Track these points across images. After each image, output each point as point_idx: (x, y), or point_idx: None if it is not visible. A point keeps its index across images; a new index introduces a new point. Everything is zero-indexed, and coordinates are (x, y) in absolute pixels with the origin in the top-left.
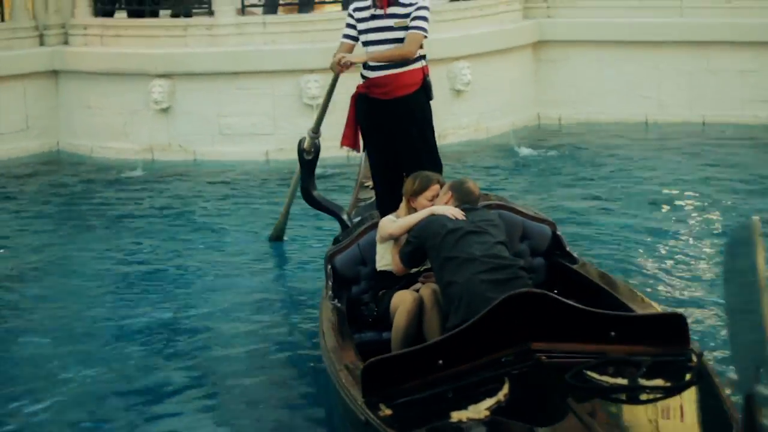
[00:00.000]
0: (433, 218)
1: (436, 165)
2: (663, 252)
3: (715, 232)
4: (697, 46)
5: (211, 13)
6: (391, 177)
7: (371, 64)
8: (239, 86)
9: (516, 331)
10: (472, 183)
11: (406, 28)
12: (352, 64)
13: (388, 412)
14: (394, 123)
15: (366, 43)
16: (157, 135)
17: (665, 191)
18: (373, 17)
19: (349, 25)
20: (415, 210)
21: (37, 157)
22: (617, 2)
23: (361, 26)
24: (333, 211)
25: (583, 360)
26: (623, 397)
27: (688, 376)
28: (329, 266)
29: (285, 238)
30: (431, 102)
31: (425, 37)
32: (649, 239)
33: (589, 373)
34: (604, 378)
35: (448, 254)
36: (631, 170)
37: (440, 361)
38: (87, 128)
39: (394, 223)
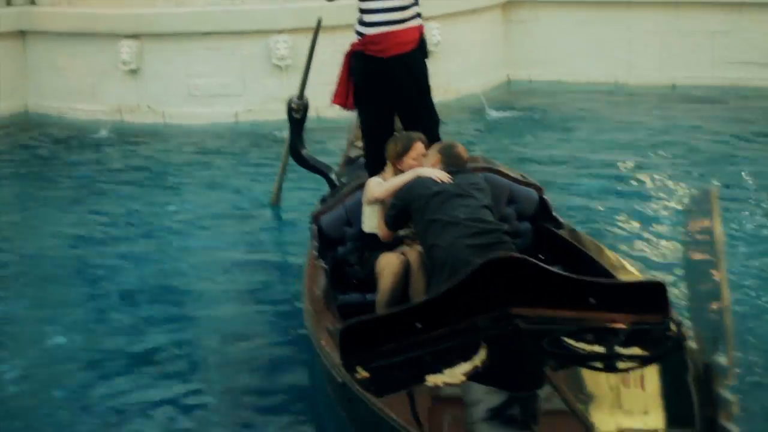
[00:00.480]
0: (418, 180)
1: (433, 121)
2: (630, 216)
3: (683, 195)
4: (668, 7)
5: None
6: (383, 136)
7: (370, 20)
8: (208, 47)
9: (495, 296)
10: (461, 147)
11: None
12: None
13: (365, 374)
14: (391, 81)
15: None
16: (126, 96)
17: (633, 154)
18: None
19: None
20: (402, 172)
21: (6, 119)
22: None
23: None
24: (321, 171)
25: (561, 326)
26: (599, 365)
27: (665, 346)
28: (315, 226)
29: (280, 203)
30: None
31: None
32: (618, 203)
33: (566, 339)
34: (581, 345)
35: (432, 217)
36: (601, 133)
37: (419, 325)
38: (55, 90)
39: (380, 185)
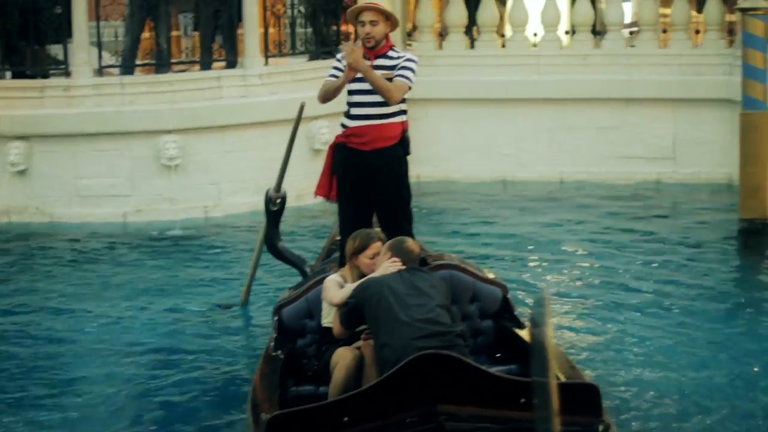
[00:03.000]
0: (371, 280)
1: (407, 219)
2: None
3: (572, 285)
4: (555, 103)
5: (68, 73)
6: (359, 228)
7: (354, 113)
8: (97, 147)
9: (424, 393)
10: (411, 242)
11: (391, 80)
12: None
13: None
14: (370, 175)
15: (351, 93)
16: (14, 197)
17: (523, 248)
18: None
19: (335, 68)
20: (357, 269)
21: None
22: (475, 60)
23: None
24: (296, 264)
25: (489, 425)
26: None
27: None
28: (276, 317)
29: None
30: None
31: (410, 88)
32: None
33: None
34: None
35: (385, 316)
36: (489, 229)
37: (346, 418)
38: None
39: (337, 292)
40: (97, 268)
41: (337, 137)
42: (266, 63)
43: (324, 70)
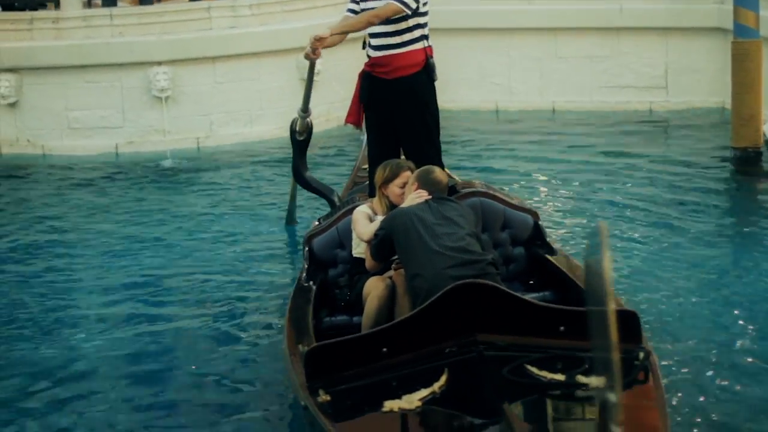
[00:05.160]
0: (400, 210)
1: (434, 147)
2: None
3: (565, 210)
4: (547, 33)
5: (57, 5)
6: (387, 158)
7: (374, 43)
8: (87, 80)
9: (462, 322)
10: (438, 171)
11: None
12: (321, 39)
13: (326, 398)
14: (394, 103)
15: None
16: (5, 130)
17: (516, 178)
18: None
19: (352, 1)
20: (387, 198)
21: None
22: None
23: (361, 5)
24: (323, 193)
25: (528, 353)
26: (558, 393)
27: (630, 376)
28: (307, 248)
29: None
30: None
31: (402, 10)
32: None
33: (529, 367)
34: (543, 373)
35: (415, 246)
36: (484, 158)
37: (384, 349)
38: None
39: (366, 226)
40: (101, 195)
41: (365, 65)
42: None
43: (314, 0)
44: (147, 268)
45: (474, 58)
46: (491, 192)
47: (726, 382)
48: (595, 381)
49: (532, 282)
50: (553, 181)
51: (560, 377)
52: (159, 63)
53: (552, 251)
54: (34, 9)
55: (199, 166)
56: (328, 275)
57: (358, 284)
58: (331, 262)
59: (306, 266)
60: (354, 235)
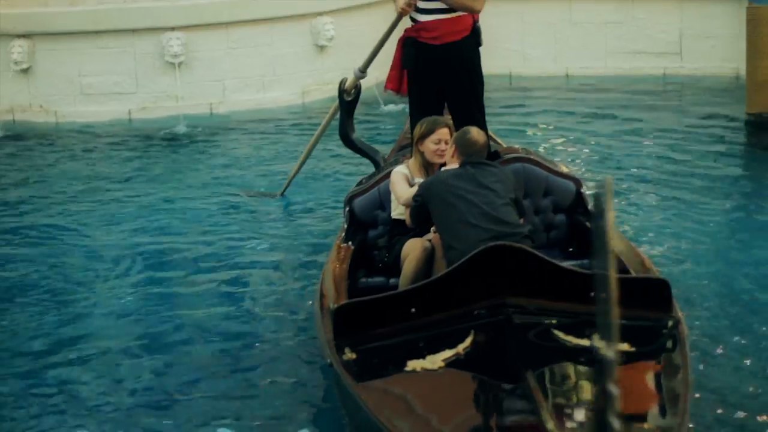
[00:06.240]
0: (437, 178)
1: (481, 111)
2: None
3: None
4: None
5: None
6: None
7: (422, 6)
8: (100, 45)
9: (492, 285)
10: (475, 132)
11: None
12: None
13: (352, 356)
14: (443, 68)
15: None
16: (18, 96)
17: (529, 143)
18: None
19: None
20: (422, 154)
21: None
22: None
23: None
24: (369, 155)
25: (556, 318)
26: (582, 359)
27: (658, 344)
28: (347, 208)
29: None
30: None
31: None
32: None
33: (555, 332)
34: (569, 338)
35: (450, 217)
36: (495, 123)
37: (413, 309)
38: None
39: (403, 189)
40: (113, 161)
41: (407, 30)
42: None
43: None
44: (161, 234)
45: (487, 23)
46: (534, 158)
47: (746, 358)
48: (621, 347)
49: (572, 249)
50: (566, 147)
51: (586, 342)
52: (172, 28)
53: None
54: None
55: (212, 131)
56: (367, 236)
57: (396, 246)
58: (371, 222)
59: (345, 227)
60: (392, 197)
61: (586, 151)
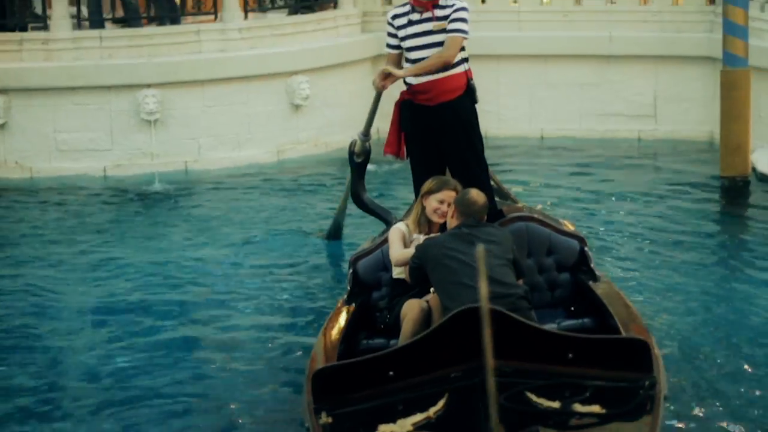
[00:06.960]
0: (433, 240)
1: (481, 168)
2: None
3: None
4: (536, 60)
5: (46, 27)
6: None
7: None
8: (76, 101)
9: (469, 347)
10: (474, 193)
11: (444, 30)
12: (390, 75)
13: (328, 420)
14: (439, 129)
15: (408, 50)
16: None
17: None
18: (411, 23)
19: (390, 35)
20: (423, 209)
21: None
22: None
23: (401, 33)
24: (381, 215)
25: (530, 380)
26: (551, 422)
27: (632, 404)
28: (351, 270)
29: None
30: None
31: (465, 39)
32: None
33: (528, 394)
34: (541, 401)
35: (446, 279)
36: None
37: (391, 373)
38: None
39: (398, 251)
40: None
41: (402, 94)
42: (246, 17)
43: (303, 25)
44: (134, 291)
45: None
46: (538, 216)
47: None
48: (593, 409)
49: (573, 308)
50: (548, 207)
51: (556, 405)
52: (148, 86)
53: (595, 278)
54: (24, 30)
55: (187, 189)
56: (370, 297)
57: (396, 307)
58: (375, 284)
59: (349, 288)
60: None
61: (559, 212)
